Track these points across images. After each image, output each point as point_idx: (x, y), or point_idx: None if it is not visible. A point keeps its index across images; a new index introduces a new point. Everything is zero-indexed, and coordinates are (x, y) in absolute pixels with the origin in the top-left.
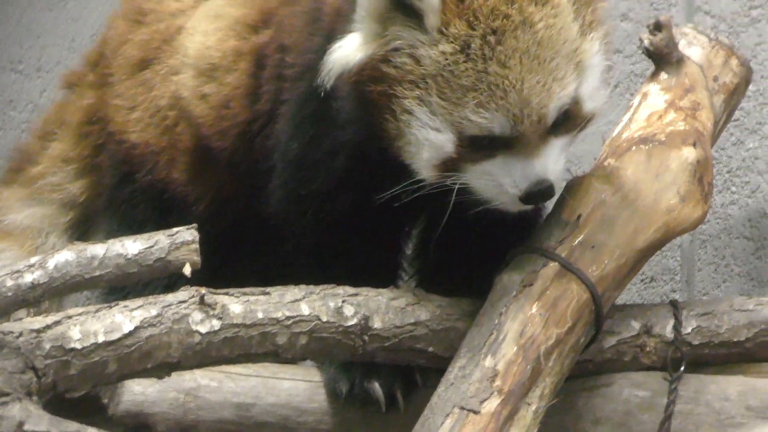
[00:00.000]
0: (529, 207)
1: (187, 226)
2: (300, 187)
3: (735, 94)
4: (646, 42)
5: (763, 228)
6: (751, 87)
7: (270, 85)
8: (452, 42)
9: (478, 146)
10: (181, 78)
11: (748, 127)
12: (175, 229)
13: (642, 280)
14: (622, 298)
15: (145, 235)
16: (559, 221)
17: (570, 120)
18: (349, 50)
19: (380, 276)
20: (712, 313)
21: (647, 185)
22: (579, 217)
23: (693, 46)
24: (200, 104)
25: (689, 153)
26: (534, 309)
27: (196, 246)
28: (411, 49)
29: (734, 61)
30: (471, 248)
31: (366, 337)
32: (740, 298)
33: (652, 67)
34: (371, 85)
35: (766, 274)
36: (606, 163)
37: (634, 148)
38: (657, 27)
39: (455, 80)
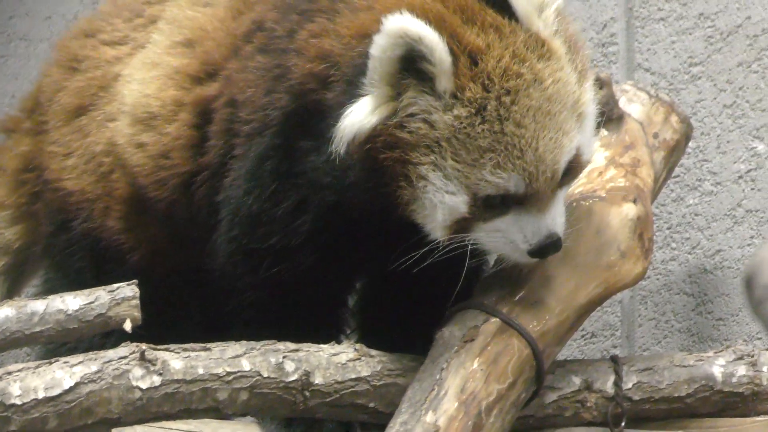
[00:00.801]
0: (535, 260)
1: (127, 282)
2: (253, 243)
3: (675, 151)
4: None
5: (703, 284)
6: (691, 144)
7: (218, 139)
8: (467, 106)
9: (491, 205)
10: (116, 125)
11: (689, 183)
12: (115, 285)
13: (583, 336)
14: (563, 354)
15: (86, 291)
16: (501, 277)
17: (572, 171)
18: (362, 115)
19: (322, 330)
20: (653, 368)
21: (588, 241)
22: (520, 272)
23: (633, 103)
24: (137, 153)
25: (629, 209)
26: (475, 365)
27: (137, 302)
28: (425, 114)
29: (674, 118)
30: (413, 303)
31: (307, 393)
32: (681, 353)
33: None
34: (386, 152)
35: (707, 330)
36: None
37: (574, 204)
38: (597, 84)
39: (471, 142)
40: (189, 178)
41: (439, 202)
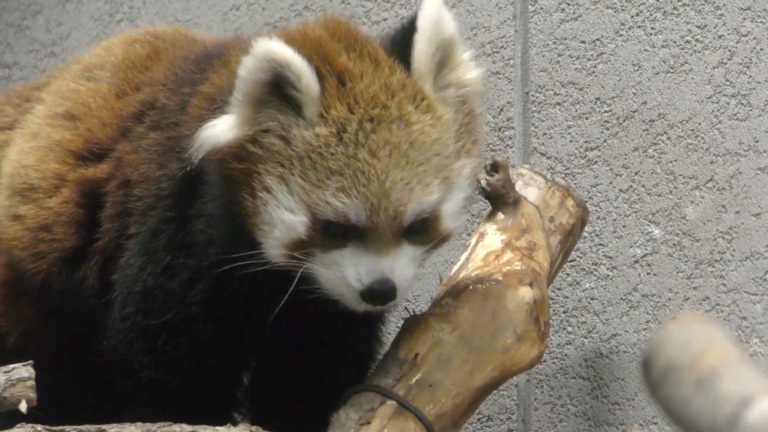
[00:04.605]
0: (367, 307)
1: (23, 363)
2: (148, 319)
3: (571, 235)
4: (482, 182)
5: (599, 368)
6: (587, 228)
7: (113, 223)
8: (330, 126)
9: (331, 233)
10: None
11: (584, 267)
12: (11, 366)
13: (479, 419)
14: None
15: None
16: (397, 359)
17: (427, 231)
18: (221, 129)
19: (218, 410)
20: None
21: (484, 324)
22: (416, 355)
23: (530, 187)
24: (14, 225)
25: (526, 293)
26: None
27: (32, 383)
28: (283, 131)
29: (570, 202)
30: (308, 384)
31: None
32: None
33: (488, 208)
34: (234, 163)
35: (603, 414)
36: (443, 302)
37: (471, 287)
38: (494, 168)
39: (322, 162)
40: (72, 254)
41: (279, 219)
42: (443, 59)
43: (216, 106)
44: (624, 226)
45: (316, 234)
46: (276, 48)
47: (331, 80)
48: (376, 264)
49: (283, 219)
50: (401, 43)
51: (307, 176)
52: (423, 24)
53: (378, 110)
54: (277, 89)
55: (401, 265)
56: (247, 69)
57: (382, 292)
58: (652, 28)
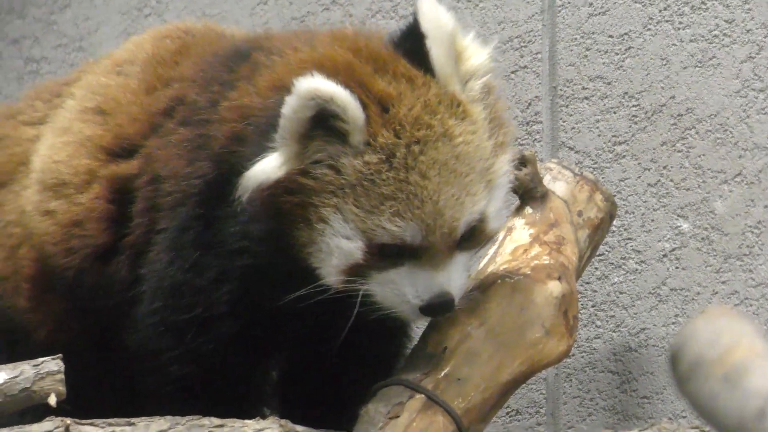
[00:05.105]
0: (426, 319)
1: (51, 356)
2: (176, 314)
3: (599, 229)
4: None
5: (627, 362)
6: (615, 222)
7: (143, 217)
8: (378, 152)
9: (386, 254)
10: (27, 193)
11: (613, 261)
12: (40, 359)
13: (507, 413)
14: (488, 431)
15: (10, 365)
16: (425, 353)
17: (475, 236)
18: (269, 168)
19: (246, 405)
20: None
21: (512, 319)
22: (445, 349)
23: (558, 181)
24: (45, 221)
25: (554, 287)
26: None
27: (62, 376)
28: (332, 160)
29: (599, 196)
30: (337, 378)
31: None
32: (606, 431)
33: (516, 202)
34: (286, 196)
35: (631, 408)
36: (471, 296)
37: (499, 281)
38: (522, 162)
39: (374, 189)
40: (103, 250)
41: (336, 247)
42: (456, 54)
43: (247, 123)
44: (652, 221)
45: (372, 257)
46: (319, 84)
47: (373, 107)
48: (433, 279)
49: (340, 247)
50: (414, 51)
51: (361, 203)
52: (429, 27)
53: (423, 131)
54: (322, 121)
55: (456, 275)
56: (292, 108)
57: (441, 305)
58: (680, 23)
